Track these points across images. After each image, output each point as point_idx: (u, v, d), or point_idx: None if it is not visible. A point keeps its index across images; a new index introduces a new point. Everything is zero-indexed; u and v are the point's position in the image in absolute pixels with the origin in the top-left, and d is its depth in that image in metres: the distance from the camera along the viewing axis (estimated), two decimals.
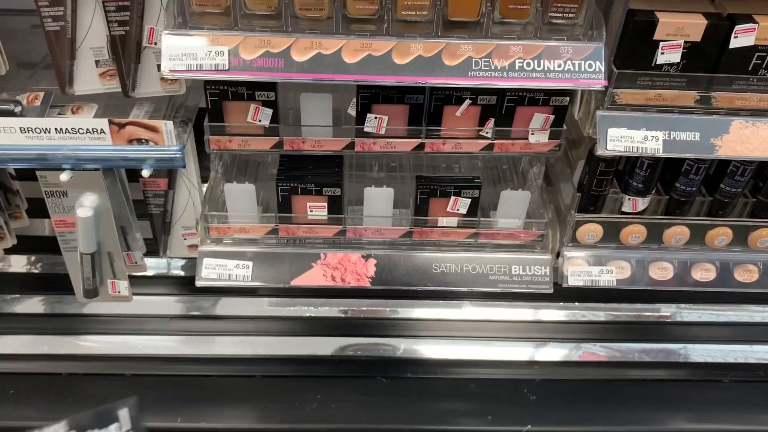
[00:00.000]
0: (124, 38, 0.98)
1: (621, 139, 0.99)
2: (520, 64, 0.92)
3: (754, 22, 0.94)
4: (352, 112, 1.06)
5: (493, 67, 0.92)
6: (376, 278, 1.16)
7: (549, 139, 1.08)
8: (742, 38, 0.95)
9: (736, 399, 1.33)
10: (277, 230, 1.14)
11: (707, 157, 1.05)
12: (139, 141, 0.99)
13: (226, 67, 0.89)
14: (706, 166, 1.11)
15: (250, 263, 1.14)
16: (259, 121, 1.03)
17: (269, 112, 1.03)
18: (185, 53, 0.89)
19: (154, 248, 1.26)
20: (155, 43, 0.98)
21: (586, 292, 1.43)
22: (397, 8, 0.91)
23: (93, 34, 0.98)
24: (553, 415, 1.28)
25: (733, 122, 1.00)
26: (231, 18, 0.91)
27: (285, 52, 0.90)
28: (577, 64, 0.93)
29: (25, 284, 1.44)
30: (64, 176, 1.01)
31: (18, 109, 0.99)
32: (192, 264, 1.44)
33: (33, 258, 1.48)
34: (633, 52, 0.96)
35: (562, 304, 1.47)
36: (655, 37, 0.94)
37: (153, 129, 0.98)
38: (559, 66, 0.93)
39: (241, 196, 1.11)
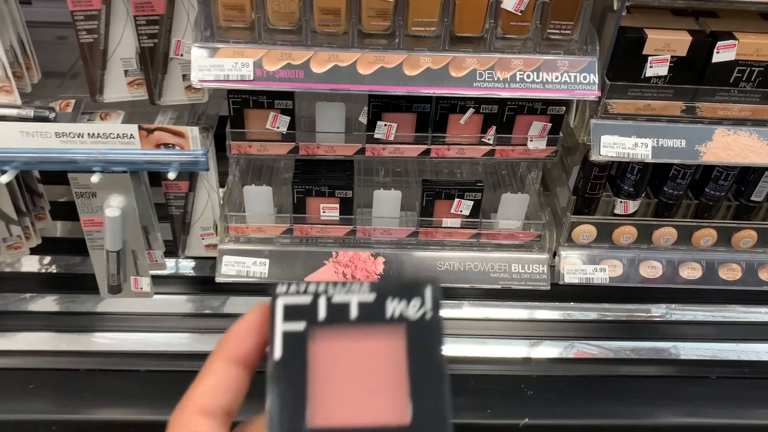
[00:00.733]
0: (152, 50, 1.04)
1: (613, 146, 1.04)
2: (521, 76, 0.99)
3: (735, 38, 0.99)
4: (363, 120, 1.12)
5: (495, 79, 0.98)
6: (385, 275, 1.21)
7: (546, 145, 1.14)
8: (723, 53, 1.00)
9: (723, 394, 1.37)
10: (291, 230, 1.20)
11: (693, 163, 1.10)
12: (166, 145, 1.06)
13: (251, 78, 0.96)
14: (692, 171, 1.16)
15: (267, 261, 1.19)
16: (278, 127, 1.10)
17: (287, 119, 1.09)
18: (213, 64, 0.96)
19: (171, 249, 1.31)
20: (181, 55, 1.05)
21: (580, 292, 1.48)
22: (407, 25, 0.97)
23: (123, 45, 1.04)
24: (550, 409, 1.32)
25: (716, 130, 1.06)
26: (255, 33, 0.98)
27: (305, 64, 0.97)
28: (573, 76, 0.99)
29: (43, 283, 1.47)
30: (94, 178, 1.06)
31: (52, 115, 1.05)
32: (203, 264, 1.48)
33: (50, 258, 1.51)
34: (624, 65, 1.01)
35: (557, 303, 1.50)
36: (644, 51, 1.00)
37: (179, 134, 1.04)
38: (557, 78, 0.99)
39: (258, 197, 1.17)
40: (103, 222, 1.12)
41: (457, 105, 1.10)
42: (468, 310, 1.49)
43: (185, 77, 1.07)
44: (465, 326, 1.47)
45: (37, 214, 1.31)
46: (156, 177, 1.20)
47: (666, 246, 1.25)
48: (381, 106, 1.09)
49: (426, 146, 1.13)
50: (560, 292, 1.39)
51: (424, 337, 0.36)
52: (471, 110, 1.10)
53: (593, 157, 1.05)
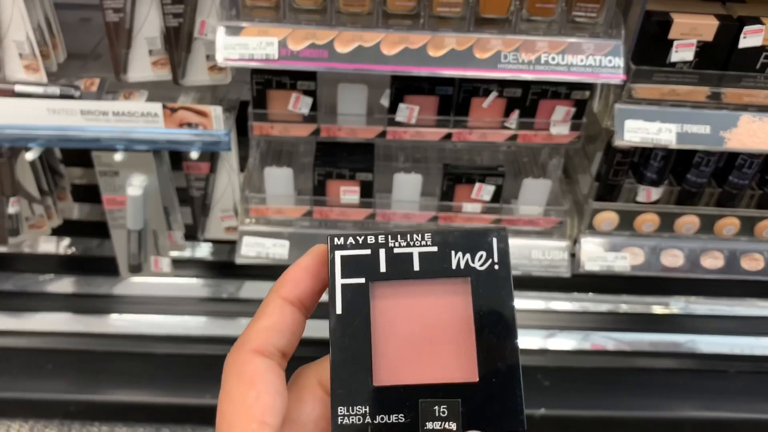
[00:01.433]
0: (177, 30, 1.05)
1: (637, 131, 1.04)
2: (546, 59, 0.98)
3: (762, 24, 0.99)
4: (384, 102, 1.12)
5: (520, 61, 0.98)
6: None
7: (570, 131, 1.14)
8: (750, 39, 1.00)
9: (740, 389, 1.37)
10: (311, 212, 1.20)
11: (717, 149, 1.09)
12: (189, 125, 1.06)
13: (276, 57, 0.96)
14: (716, 158, 1.15)
15: (287, 242, 1.20)
16: (300, 109, 1.10)
17: (309, 101, 1.10)
18: (238, 43, 0.96)
19: (191, 232, 1.32)
20: (206, 35, 1.06)
21: (598, 283, 1.47)
22: (432, 5, 0.97)
23: (148, 25, 1.05)
24: (566, 400, 1.32)
25: (741, 117, 1.05)
26: (279, 12, 0.98)
27: (329, 44, 0.97)
28: (598, 60, 0.99)
29: (61, 265, 1.48)
30: (118, 156, 1.07)
31: (77, 93, 1.06)
32: (221, 249, 1.49)
33: (68, 240, 1.53)
34: (649, 50, 1.01)
35: (575, 294, 1.49)
36: (670, 36, 0.99)
37: (203, 114, 1.05)
38: (582, 61, 0.99)
39: (279, 179, 1.17)
40: (124, 201, 1.13)
41: (480, 88, 1.10)
42: None
43: (209, 57, 1.07)
44: None
45: (58, 195, 1.32)
46: (177, 160, 1.21)
47: (688, 234, 1.24)
48: (403, 88, 1.09)
49: (447, 130, 1.13)
50: (578, 283, 1.39)
51: (492, 290, 0.35)
52: (494, 93, 1.10)
53: (617, 142, 1.05)
